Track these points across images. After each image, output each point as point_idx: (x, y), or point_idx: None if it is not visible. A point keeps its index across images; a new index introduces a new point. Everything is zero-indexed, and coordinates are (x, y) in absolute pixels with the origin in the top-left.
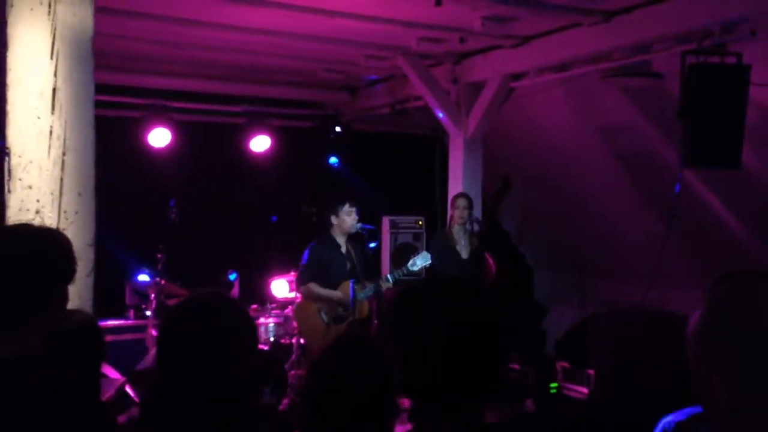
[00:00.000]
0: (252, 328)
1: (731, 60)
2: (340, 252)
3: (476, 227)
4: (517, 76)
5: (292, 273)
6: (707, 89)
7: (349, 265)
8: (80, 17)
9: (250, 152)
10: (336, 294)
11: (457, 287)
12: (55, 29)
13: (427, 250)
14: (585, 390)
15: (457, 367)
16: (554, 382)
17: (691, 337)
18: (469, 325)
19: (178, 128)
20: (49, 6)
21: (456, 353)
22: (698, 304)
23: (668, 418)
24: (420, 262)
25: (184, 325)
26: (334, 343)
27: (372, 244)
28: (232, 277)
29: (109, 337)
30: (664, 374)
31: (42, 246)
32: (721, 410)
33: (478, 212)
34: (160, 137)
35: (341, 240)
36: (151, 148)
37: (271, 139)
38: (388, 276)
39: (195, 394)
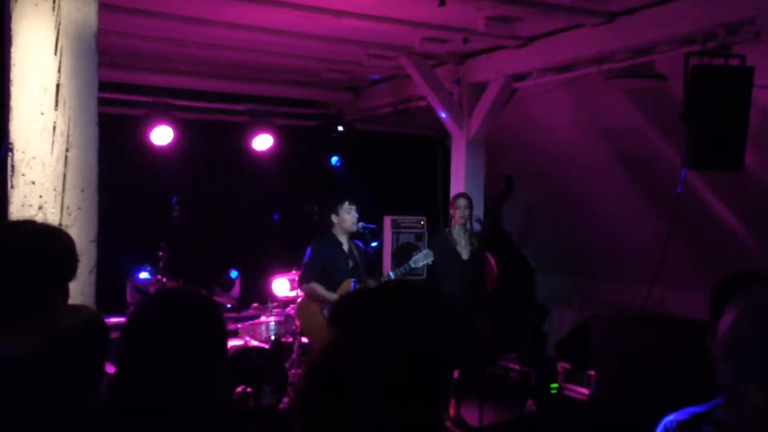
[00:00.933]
0: (220, 328)
1: (735, 62)
2: (342, 250)
3: (477, 227)
4: (520, 77)
5: (294, 272)
6: (711, 91)
7: (351, 264)
8: (84, 13)
9: (253, 151)
10: (334, 296)
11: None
12: (59, 25)
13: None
14: (586, 391)
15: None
16: (555, 382)
17: (722, 342)
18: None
19: (180, 126)
20: (54, 2)
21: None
22: (698, 307)
23: (670, 417)
24: (422, 259)
25: (147, 319)
26: (331, 343)
27: (374, 244)
28: (233, 275)
29: (111, 336)
30: (665, 375)
31: (44, 243)
32: (754, 416)
33: (480, 213)
34: (162, 135)
35: (343, 238)
36: (154, 145)
37: (274, 138)
38: (390, 273)
39: (154, 392)
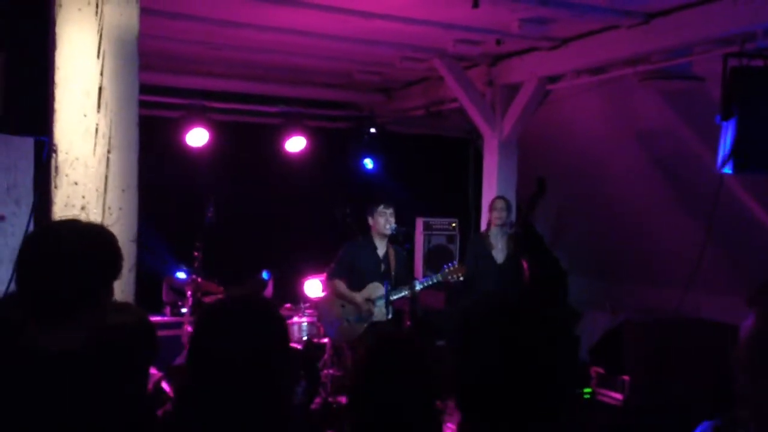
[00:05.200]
0: (284, 332)
1: None
2: (376, 254)
3: (509, 230)
4: (553, 79)
5: (326, 273)
6: (750, 93)
7: (383, 267)
8: (126, 17)
9: (286, 152)
10: (356, 296)
11: (520, 311)
12: (102, 29)
13: (462, 254)
14: (619, 396)
15: (512, 389)
16: (588, 387)
17: (743, 345)
18: (529, 351)
19: (215, 128)
20: (97, 6)
21: (513, 375)
22: (735, 312)
23: (707, 423)
24: (452, 276)
25: (219, 325)
26: (381, 342)
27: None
28: (266, 276)
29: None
30: (700, 381)
31: (91, 242)
32: None
33: (512, 215)
34: (198, 137)
35: (379, 242)
36: (189, 147)
37: (307, 139)
38: (417, 283)
39: (226, 394)
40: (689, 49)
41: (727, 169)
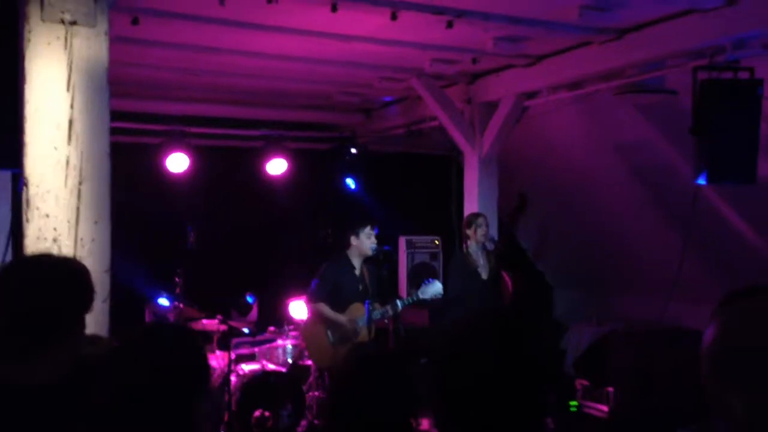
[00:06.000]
0: (199, 369)
1: (744, 75)
2: (354, 273)
3: (491, 246)
4: (530, 95)
5: (307, 295)
6: (720, 105)
7: (361, 287)
8: (95, 50)
9: (267, 175)
10: (342, 318)
11: (506, 325)
12: (71, 62)
13: (446, 272)
14: (605, 408)
15: (496, 401)
16: (574, 400)
17: (705, 354)
18: (514, 364)
19: (195, 153)
20: (66, 40)
21: (497, 393)
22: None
23: None
24: (431, 292)
25: (131, 355)
26: (356, 360)
27: (387, 265)
28: (250, 299)
29: None
30: (684, 390)
31: (62, 275)
32: (738, 425)
33: (493, 231)
34: (178, 162)
35: (356, 262)
36: (170, 173)
37: (288, 161)
38: (398, 302)
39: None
40: (661, 62)
41: (701, 180)
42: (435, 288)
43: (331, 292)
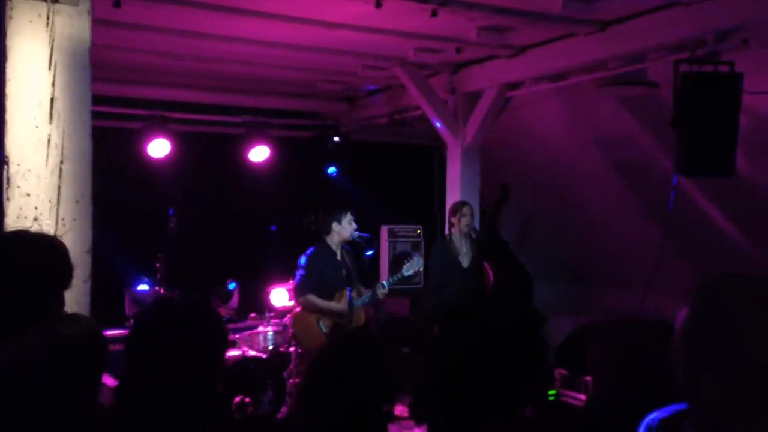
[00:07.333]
0: (219, 341)
1: (724, 68)
2: (336, 259)
3: (473, 236)
4: (513, 86)
5: (291, 282)
6: (700, 98)
7: (344, 272)
8: (78, 28)
9: (249, 162)
10: (335, 306)
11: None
12: (53, 40)
13: (427, 258)
14: (583, 397)
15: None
16: (553, 389)
17: (677, 337)
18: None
19: (177, 139)
20: (48, 18)
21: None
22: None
23: (652, 415)
24: (413, 267)
25: (150, 332)
26: (334, 341)
27: (369, 252)
28: (232, 286)
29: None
30: (662, 381)
31: (40, 252)
32: (708, 408)
33: (475, 221)
34: (159, 148)
35: (337, 248)
36: (151, 158)
37: (270, 149)
38: (383, 282)
39: (154, 391)
40: (644, 55)
41: (681, 173)
42: (417, 262)
43: (320, 282)
